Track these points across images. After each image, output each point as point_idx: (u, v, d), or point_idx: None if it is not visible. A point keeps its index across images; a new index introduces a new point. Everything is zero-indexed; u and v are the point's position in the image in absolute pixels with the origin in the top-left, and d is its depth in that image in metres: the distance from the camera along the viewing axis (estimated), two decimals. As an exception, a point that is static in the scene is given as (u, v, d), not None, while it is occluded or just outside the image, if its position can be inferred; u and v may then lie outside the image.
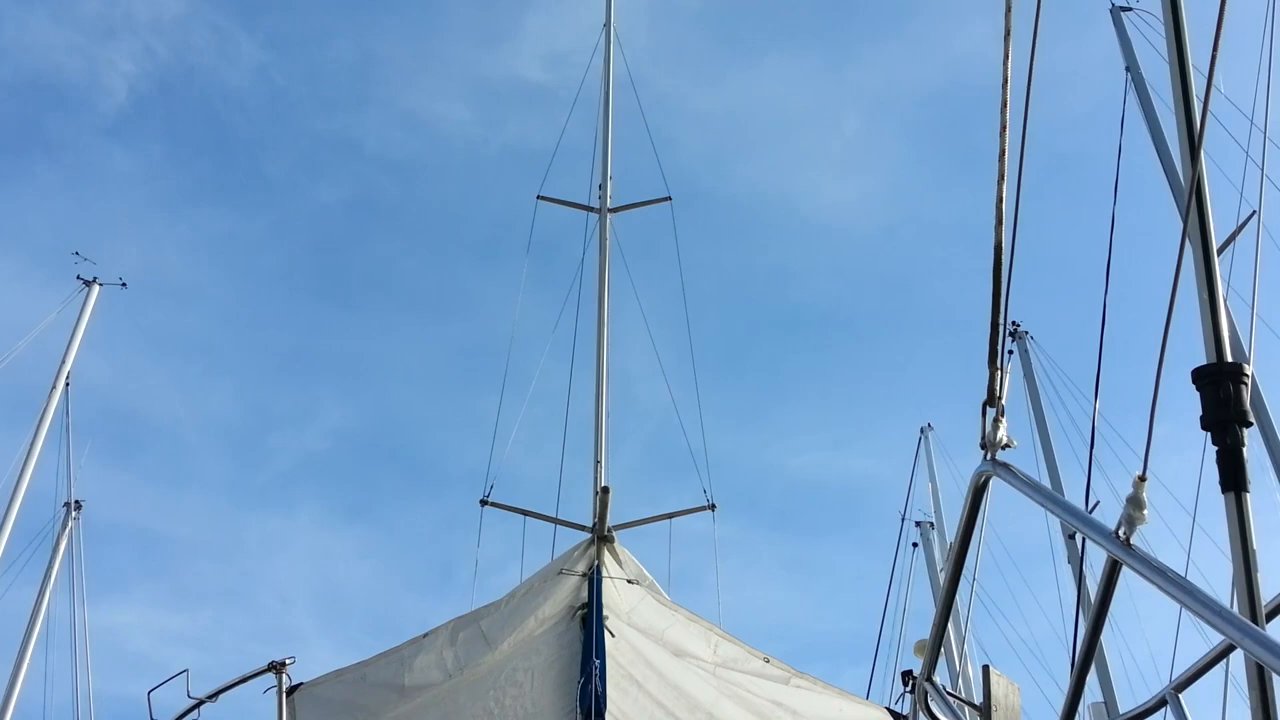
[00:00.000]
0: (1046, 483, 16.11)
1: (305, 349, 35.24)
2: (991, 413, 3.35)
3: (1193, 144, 3.82)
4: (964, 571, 4.33)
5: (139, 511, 32.08)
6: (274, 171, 34.78)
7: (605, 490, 8.06)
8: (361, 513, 34.96)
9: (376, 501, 34.38)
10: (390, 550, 33.01)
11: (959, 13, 30.45)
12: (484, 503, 9.89)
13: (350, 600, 32.61)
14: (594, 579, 7.54)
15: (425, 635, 7.39)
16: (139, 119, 33.20)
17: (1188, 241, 3.57)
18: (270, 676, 6.96)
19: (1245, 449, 3.09)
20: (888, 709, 7.83)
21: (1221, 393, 3.12)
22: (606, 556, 7.78)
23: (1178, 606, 2.55)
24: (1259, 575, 2.98)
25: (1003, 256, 3.31)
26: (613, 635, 7.37)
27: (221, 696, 6.92)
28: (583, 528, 8.51)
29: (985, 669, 5.69)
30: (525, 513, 9.68)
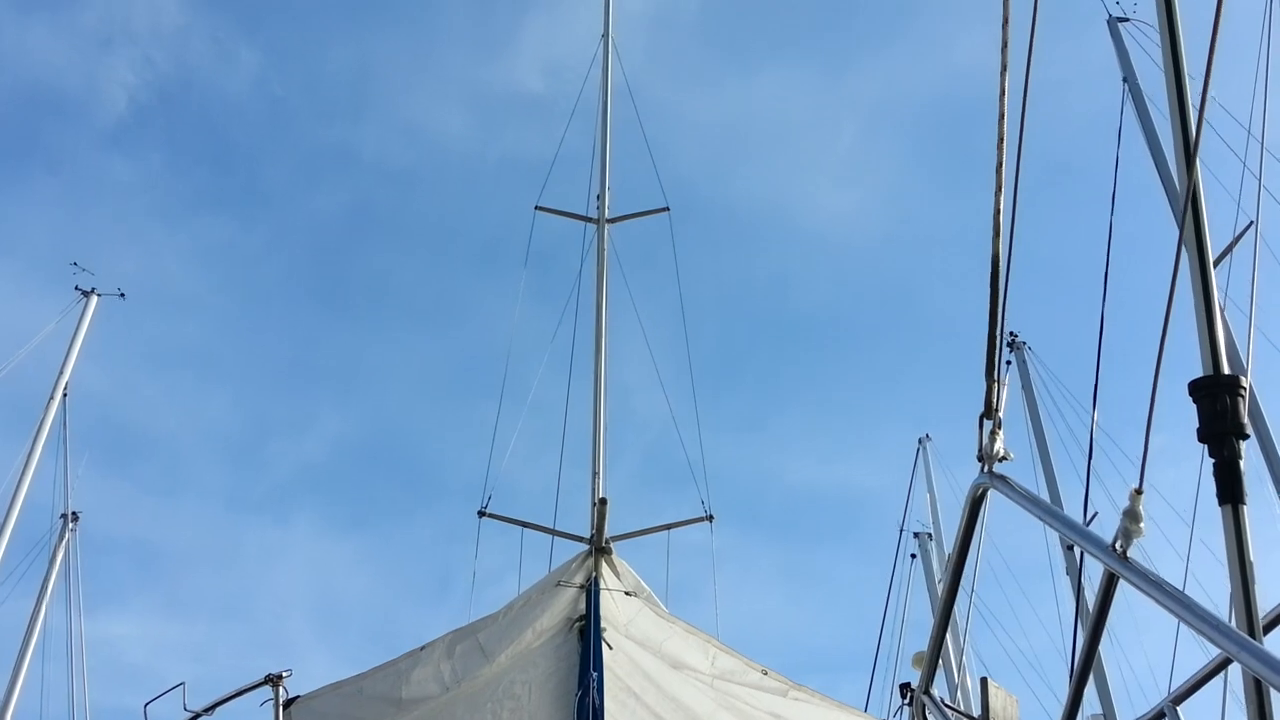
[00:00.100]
0: (1045, 494, 16.14)
1: (303, 358, 35.26)
2: (989, 425, 3.35)
3: (1188, 153, 3.82)
4: (962, 583, 4.32)
5: (136, 522, 32.06)
6: (272, 181, 34.85)
7: (603, 502, 8.05)
8: (359, 523, 34.96)
9: (374, 512, 34.34)
10: (388, 561, 32.97)
11: (956, 22, 30.54)
12: (482, 514, 9.87)
13: (348, 611, 32.54)
14: (592, 591, 7.53)
15: (423, 648, 7.37)
16: (138, 129, 33.27)
17: (1184, 252, 3.57)
18: (267, 689, 6.93)
19: (1243, 461, 3.08)
20: (886, 721, 7.81)
21: (1218, 405, 3.11)
22: (604, 568, 7.77)
23: (1175, 619, 2.54)
24: (1256, 588, 2.97)
25: (1000, 268, 3.31)
26: (610, 647, 7.35)
27: (218, 709, 6.89)
28: (581, 539, 8.49)
29: (983, 681, 5.68)
30: (523, 524, 9.65)
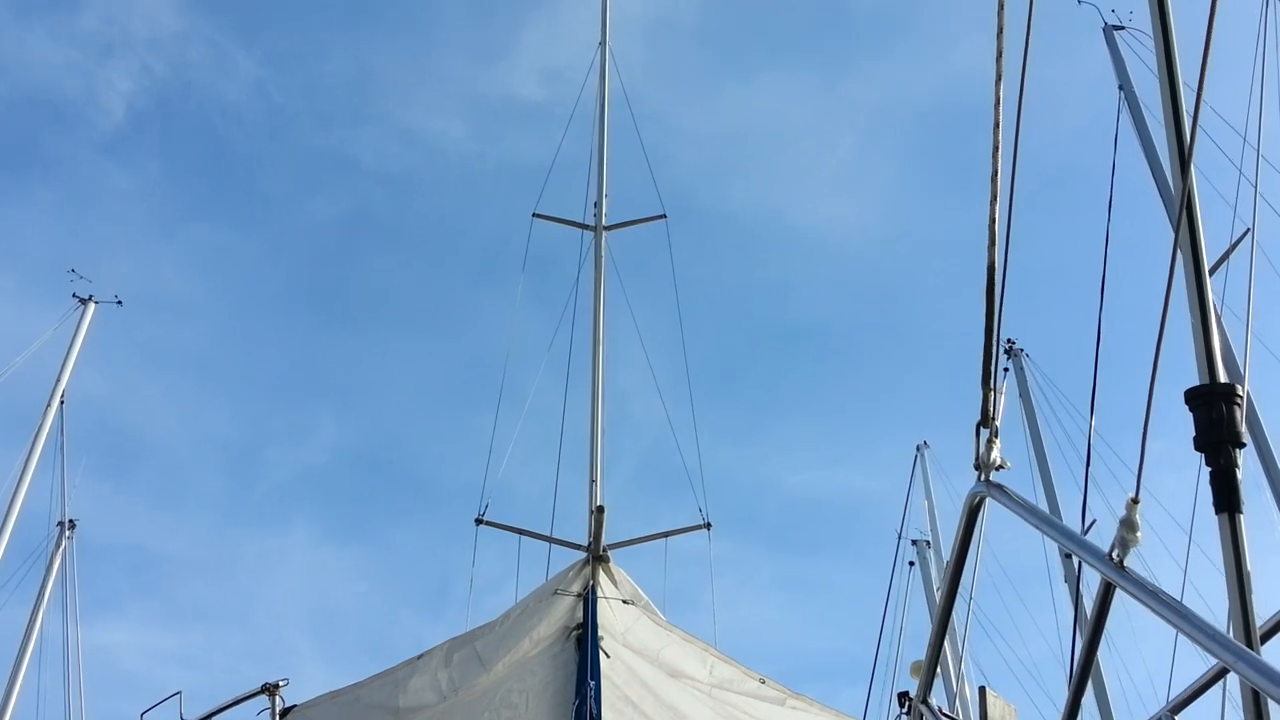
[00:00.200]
0: (1043, 500, 16.13)
1: (300, 365, 35.21)
2: (985, 433, 3.35)
3: (1183, 158, 3.82)
4: (960, 591, 4.32)
5: (133, 530, 32.01)
6: (270, 187, 34.83)
7: (600, 510, 8.04)
8: (356, 531, 34.91)
9: (371, 519, 34.32)
10: (385, 569, 32.93)
11: (953, 30, 30.60)
12: (479, 521, 9.86)
13: (345, 619, 32.51)
14: (589, 599, 7.52)
15: (420, 656, 7.36)
16: (136, 136, 33.25)
17: (1180, 259, 3.57)
18: (263, 698, 6.92)
19: (1239, 470, 3.08)
20: (884, 730, 7.80)
21: (1214, 413, 3.11)
22: (601, 576, 7.76)
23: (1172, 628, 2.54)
24: (1253, 597, 2.96)
25: (996, 277, 3.31)
26: (608, 656, 7.34)
27: (214, 718, 6.88)
28: (578, 547, 8.48)
29: (982, 690, 5.67)
30: (520, 531, 9.65)
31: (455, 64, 34.95)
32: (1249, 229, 9.08)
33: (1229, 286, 9.10)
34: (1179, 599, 2.49)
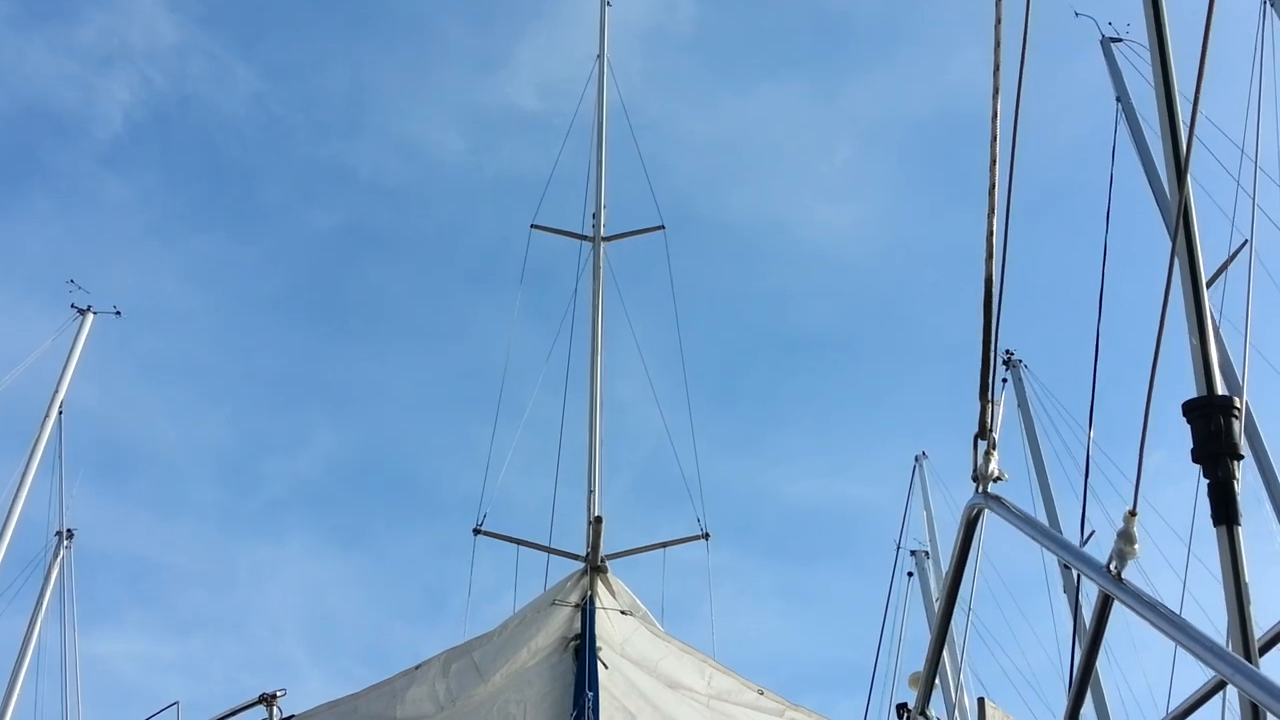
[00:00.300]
0: (1042, 510, 16.12)
1: (298, 376, 35.20)
2: (983, 445, 3.35)
3: (1179, 169, 3.83)
4: (959, 602, 4.31)
5: (131, 539, 31.97)
6: (268, 198, 34.84)
7: (598, 520, 8.04)
8: (354, 541, 34.83)
9: (369, 529, 34.23)
10: (382, 579, 32.85)
11: (950, 42, 30.66)
12: (477, 531, 9.85)
13: (342, 629, 32.43)
14: (587, 610, 7.52)
15: (417, 667, 7.35)
16: (135, 147, 33.26)
17: (1177, 270, 3.58)
18: (261, 709, 6.92)
19: (1238, 482, 3.08)
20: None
21: (1212, 426, 3.11)
22: (600, 587, 7.76)
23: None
24: (1252, 609, 2.96)
25: (994, 290, 3.31)
26: (606, 667, 7.34)
27: (212, 729, 6.87)
28: (576, 557, 8.47)
29: (980, 701, 5.68)
30: (518, 541, 9.64)
31: (453, 76, 35.05)
32: (1247, 240, 9.09)
33: (1227, 298, 9.12)
34: (1178, 610, 2.49)
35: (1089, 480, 4.83)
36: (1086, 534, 6.05)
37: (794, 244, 36.18)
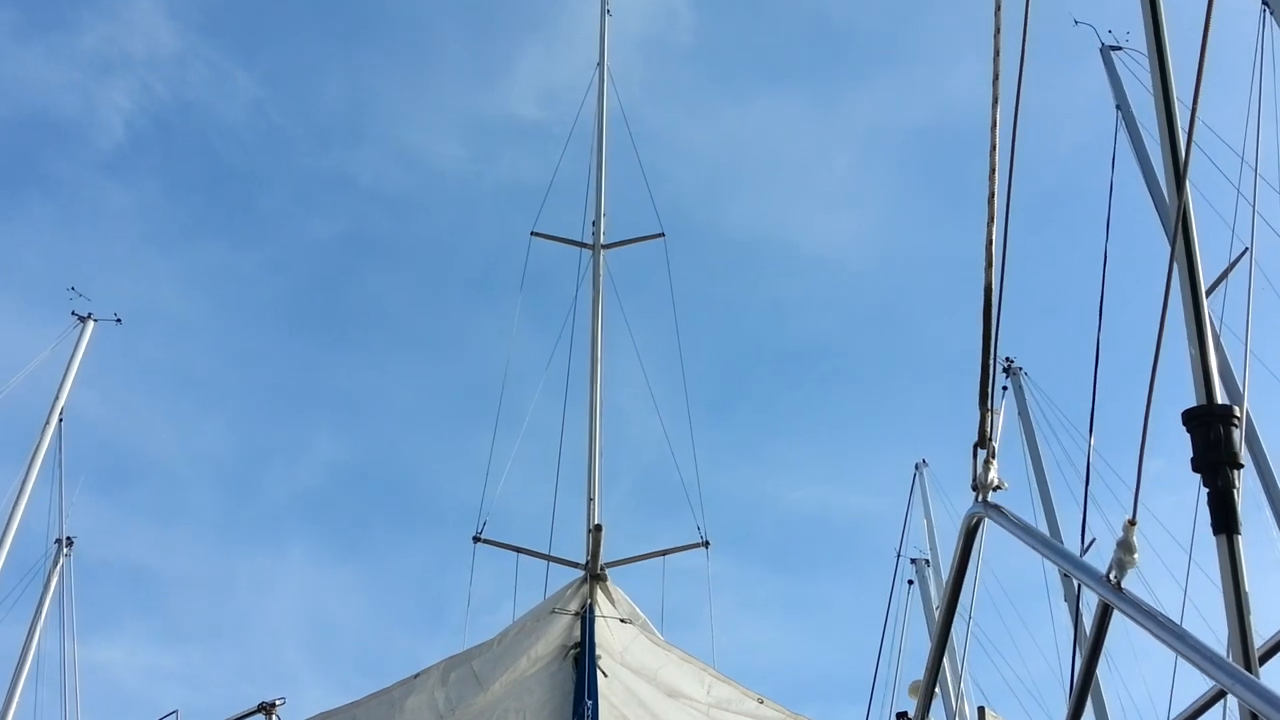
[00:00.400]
0: (1042, 518, 16.10)
1: (298, 384, 35.18)
2: (983, 454, 3.34)
3: (1178, 176, 3.82)
4: (959, 611, 4.30)
5: (131, 547, 31.95)
6: (269, 207, 34.86)
7: (598, 529, 8.04)
8: (353, 549, 34.81)
9: (368, 538, 34.20)
10: (382, 587, 32.81)
11: (949, 52, 30.70)
12: (476, 539, 9.83)
13: (341, 638, 32.37)
14: (587, 618, 7.51)
15: (416, 675, 7.35)
16: (135, 155, 33.29)
17: (1177, 278, 3.57)
18: (260, 717, 6.91)
19: (1238, 491, 3.08)
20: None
21: (1212, 435, 3.11)
22: (599, 595, 7.75)
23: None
24: (1252, 618, 2.96)
25: (993, 299, 3.31)
26: (605, 675, 7.33)
27: (211, 737, 6.87)
28: (576, 565, 8.47)
29: (981, 710, 5.67)
30: (518, 550, 9.62)
31: (454, 84, 35.07)
32: (1247, 248, 9.10)
33: (1228, 306, 9.12)
34: (1179, 618, 2.49)
35: (1089, 488, 4.82)
36: (1087, 542, 6.05)
37: (793, 252, 36.21)
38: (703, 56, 33.66)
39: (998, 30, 3.31)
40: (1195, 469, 3.13)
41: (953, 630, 4.59)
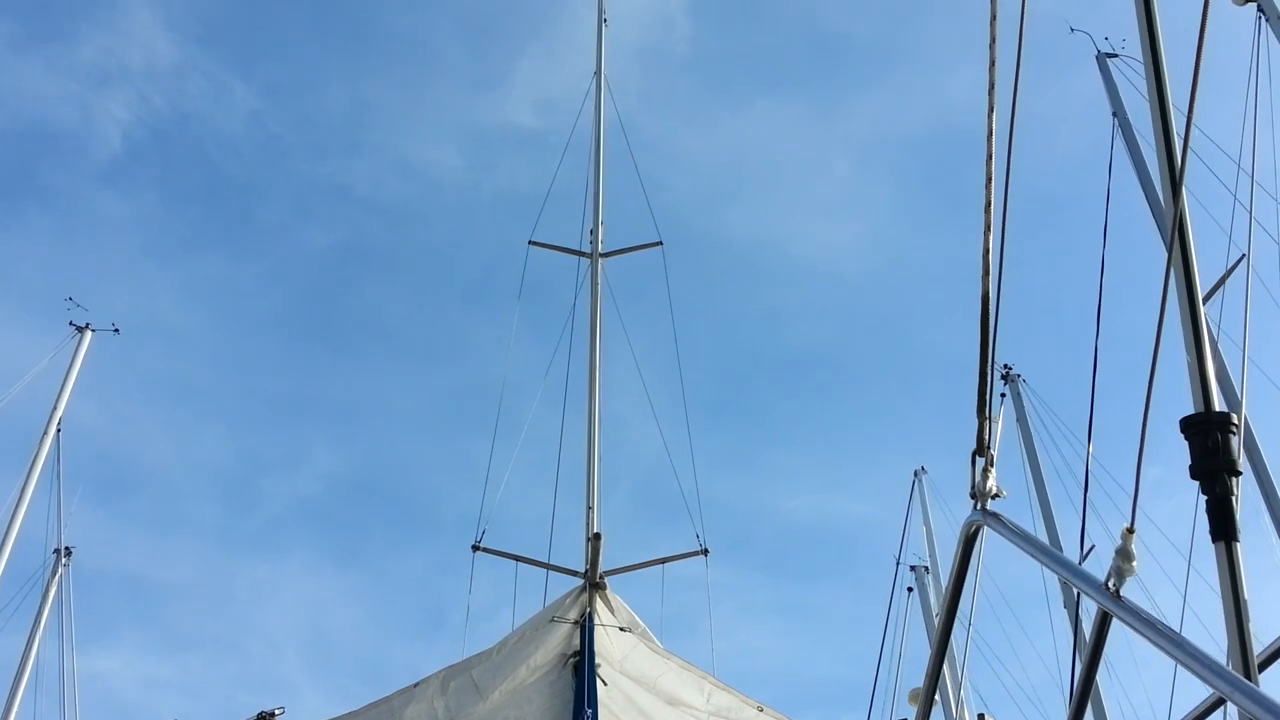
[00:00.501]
0: (1041, 525, 16.10)
1: (296, 393, 35.15)
2: (981, 462, 3.34)
3: (1174, 182, 3.83)
4: (958, 618, 4.30)
5: (129, 557, 31.91)
6: (266, 217, 34.87)
7: (597, 537, 8.03)
8: (352, 558, 34.76)
9: (367, 547, 34.16)
10: (381, 596, 32.76)
11: (946, 61, 30.77)
12: (475, 548, 9.82)
13: (340, 647, 32.33)
14: (586, 626, 7.51)
15: (416, 685, 7.33)
16: (133, 166, 33.32)
17: (1174, 285, 3.58)
18: (259, 727, 6.90)
19: (1236, 498, 3.08)
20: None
21: (1210, 442, 3.11)
22: (598, 603, 7.74)
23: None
24: (1251, 625, 2.96)
25: (990, 307, 3.31)
26: (605, 684, 7.32)
27: (209, 748, 6.85)
28: (575, 573, 8.46)
29: (980, 717, 5.66)
30: (517, 558, 9.61)
31: (451, 94, 35.12)
32: (1244, 254, 9.11)
33: (1226, 313, 9.12)
34: (1178, 625, 2.49)
35: (1088, 495, 4.82)
36: (1086, 549, 6.04)
37: (791, 261, 36.25)
38: (700, 65, 33.75)
39: (993, 39, 3.32)
40: (1194, 476, 3.13)
41: (952, 637, 4.59)
